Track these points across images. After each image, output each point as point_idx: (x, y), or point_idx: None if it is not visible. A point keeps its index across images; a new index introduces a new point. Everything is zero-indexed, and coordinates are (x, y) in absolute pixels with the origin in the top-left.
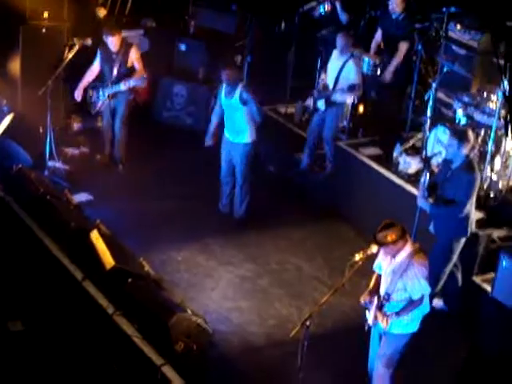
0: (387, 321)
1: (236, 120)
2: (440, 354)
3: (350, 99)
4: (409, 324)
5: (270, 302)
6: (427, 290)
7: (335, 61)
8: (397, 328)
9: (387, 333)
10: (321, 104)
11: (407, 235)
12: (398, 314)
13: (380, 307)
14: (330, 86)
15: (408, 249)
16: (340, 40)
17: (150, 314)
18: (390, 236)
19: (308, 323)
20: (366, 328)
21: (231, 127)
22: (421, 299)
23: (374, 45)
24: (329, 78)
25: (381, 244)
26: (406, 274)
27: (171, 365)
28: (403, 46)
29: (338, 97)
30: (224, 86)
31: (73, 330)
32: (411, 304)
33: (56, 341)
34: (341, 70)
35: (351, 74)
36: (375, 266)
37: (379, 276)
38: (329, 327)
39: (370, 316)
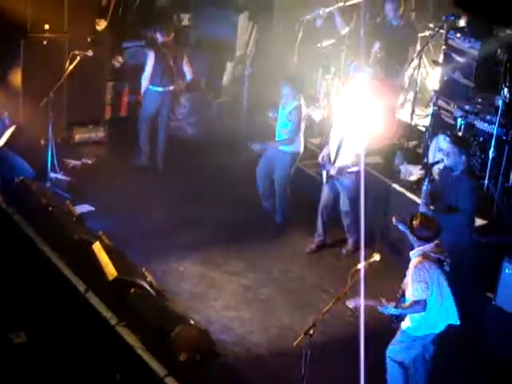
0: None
1: (283, 130)
2: (442, 361)
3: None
4: (417, 327)
5: (273, 311)
6: (416, 294)
7: (336, 127)
8: (407, 325)
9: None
10: (324, 176)
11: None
12: (396, 308)
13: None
14: (333, 156)
15: (420, 254)
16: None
17: (153, 324)
18: (416, 220)
19: (311, 332)
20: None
21: (279, 135)
22: (418, 303)
23: (373, 55)
24: (331, 146)
25: (407, 224)
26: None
27: (174, 376)
28: (416, 48)
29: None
30: (284, 97)
31: (76, 341)
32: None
33: (59, 352)
34: (343, 139)
35: (355, 143)
36: None
37: None
38: (332, 336)
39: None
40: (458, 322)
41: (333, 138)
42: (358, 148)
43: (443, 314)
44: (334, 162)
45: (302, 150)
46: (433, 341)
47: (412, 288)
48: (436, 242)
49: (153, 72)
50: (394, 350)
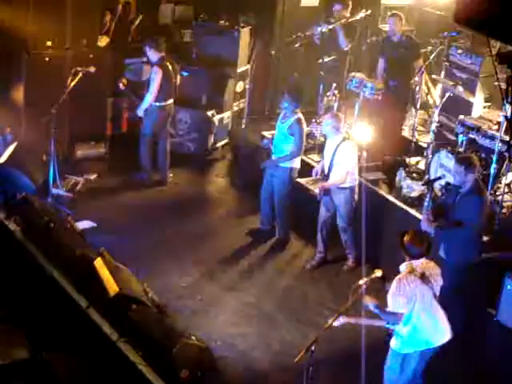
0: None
1: (283, 145)
2: (442, 376)
3: (345, 184)
4: (402, 344)
5: (275, 327)
6: (394, 307)
7: (329, 143)
8: (394, 343)
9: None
10: (317, 191)
11: (417, 261)
12: (377, 307)
13: None
14: (326, 171)
15: (407, 268)
16: (329, 121)
17: (154, 341)
18: (406, 237)
19: (312, 348)
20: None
21: (278, 151)
22: (395, 315)
23: (379, 72)
24: (325, 161)
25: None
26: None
27: None
28: (418, 64)
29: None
30: (283, 111)
31: (77, 356)
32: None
33: (61, 368)
34: (334, 154)
35: (344, 159)
36: None
37: None
38: (333, 352)
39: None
40: (449, 337)
41: (326, 154)
42: (348, 165)
43: (430, 331)
44: (328, 177)
45: (299, 165)
46: (423, 357)
47: (391, 300)
48: (425, 259)
49: (160, 89)
50: (389, 378)
